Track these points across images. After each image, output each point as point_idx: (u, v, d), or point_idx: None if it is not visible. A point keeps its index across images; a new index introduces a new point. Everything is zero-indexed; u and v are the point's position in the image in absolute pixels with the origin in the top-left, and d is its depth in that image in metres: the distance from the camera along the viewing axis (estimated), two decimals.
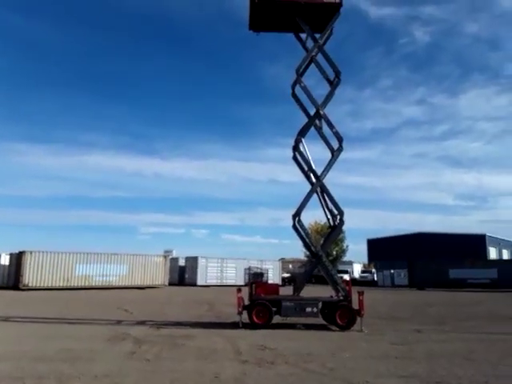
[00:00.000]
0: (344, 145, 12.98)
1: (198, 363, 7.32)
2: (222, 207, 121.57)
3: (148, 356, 7.80)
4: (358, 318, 11.68)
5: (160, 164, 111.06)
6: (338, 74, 13.30)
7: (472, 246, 56.95)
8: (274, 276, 44.17)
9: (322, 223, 49.43)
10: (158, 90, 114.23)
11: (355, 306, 11.85)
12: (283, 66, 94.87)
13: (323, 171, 13.02)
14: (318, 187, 13.08)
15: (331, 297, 12.65)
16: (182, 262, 43.82)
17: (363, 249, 74.07)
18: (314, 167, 13.27)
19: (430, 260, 44.26)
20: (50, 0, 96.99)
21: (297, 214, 12.74)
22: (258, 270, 43.78)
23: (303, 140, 13.32)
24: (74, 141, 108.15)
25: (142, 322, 12.80)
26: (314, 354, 8.25)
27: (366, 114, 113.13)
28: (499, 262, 47.01)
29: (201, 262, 41.00)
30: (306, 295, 12.97)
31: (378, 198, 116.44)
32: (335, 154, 13.04)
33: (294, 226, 12.80)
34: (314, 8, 13.19)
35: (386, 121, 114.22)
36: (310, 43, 13.83)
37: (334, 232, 13.87)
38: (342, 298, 12.19)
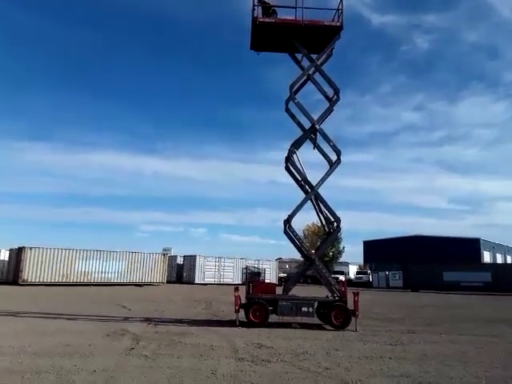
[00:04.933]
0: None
1: (195, 360, 7.45)
2: (221, 207, 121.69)
3: (146, 352, 7.93)
4: (353, 318, 11.85)
5: (160, 163, 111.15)
6: (337, 92, 13.27)
7: (466, 249, 57.27)
8: (270, 275, 44.38)
9: (320, 224, 49.61)
10: (159, 90, 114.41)
11: (350, 306, 12.02)
12: (285, 70, 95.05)
13: (318, 182, 13.02)
14: (313, 195, 13.17)
15: (327, 297, 12.82)
16: (180, 261, 43.97)
17: (359, 250, 74.43)
18: (307, 177, 13.27)
19: (425, 262, 44.55)
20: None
21: (288, 221, 12.83)
22: (256, 270, 44.05)
23: (297, 151, 13.38)
24: (75, 139, 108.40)
25: (140, 319, 12.93)
26: (309, 352, 8.40)
27: (365, 118, 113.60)
28: (493, 266, 47.32)
29: (199, 261, 41.15)
30: (303, 295, 13.15)
31: (376, 200, 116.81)
32: (333, 166, 13.05)
33: (286, 232, 12.92)
34: (314, 30, 13.21)
35: (384, 125, 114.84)
36: (307, 61, 13.85)
37: (329, 238, 14.07)
38: (337, 298, 12.36)
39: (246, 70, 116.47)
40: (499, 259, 66.59)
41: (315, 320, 12.48)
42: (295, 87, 13.55)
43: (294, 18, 13.15)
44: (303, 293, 14.29)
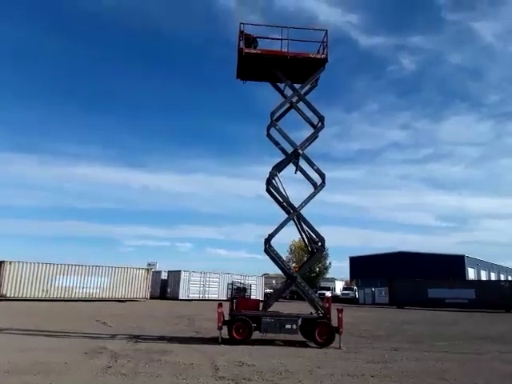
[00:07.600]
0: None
1: (174, 379, 7.29)
2: (207, 222, 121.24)
3: (124, 370, 7.73)
4: (337, 336, 11.77)
5: (147, 177, 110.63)
6: (321, 119, 13.39)
7: (451, 266, 57.69)
8: (256, 291, 43.92)
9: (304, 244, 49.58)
10: (148, 104, 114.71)
11: (334, 323, 11.94)
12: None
13: (301, 203, 12.98)
14: (295, 216, 13.11)
15: (311, 313, 12.72)
16: (164, 276, 43.31)
17: (346, 266, 74.44)
18: (289, 199, 13.20)
19: (410, 279, 44.66)
20: (39, 11, 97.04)
21: (268, 241, 12.72)
22: (241, 285, 43.55)
23: (278, 174, 13.36)
24: (61, 152, 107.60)
25: (120, 336, 12.64)
26: (291, 370, 8.28)
27: (352, 135, 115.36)
28: (477, 283, 47.59)
29: (183, 276, 40.59)
30: (287, 312, 13.03)
31: (362, 216, 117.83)
32: (318, 188, 13.06)
33: (266, 250, 12.80)
34: (299, 62, 13.36)
35: (371, 143, 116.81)
36: (290, 90, 13.90)
37: (313, 257, 14.10)
38: (321, 315, 12.27)
39: (235, 85, 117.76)
40: (483, 276, 67.15)
41: (299, 337, 12.36)
42: (277, 114, 13.61)
43: (279, 49, 13.26)
44: (288, 309, 14.16)
